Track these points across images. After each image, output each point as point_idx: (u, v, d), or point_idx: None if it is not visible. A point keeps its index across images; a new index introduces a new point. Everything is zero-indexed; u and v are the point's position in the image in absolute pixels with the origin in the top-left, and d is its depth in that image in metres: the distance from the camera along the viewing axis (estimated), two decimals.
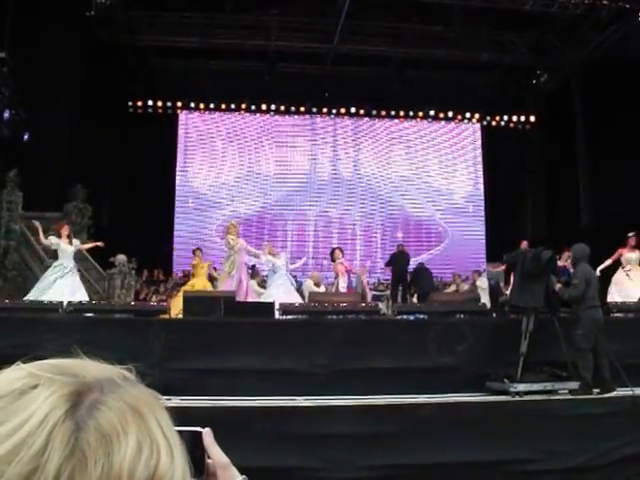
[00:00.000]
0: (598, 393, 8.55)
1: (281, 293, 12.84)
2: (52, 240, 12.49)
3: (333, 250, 15.84)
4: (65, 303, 9.34)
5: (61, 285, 11.99)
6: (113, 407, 0.70)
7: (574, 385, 8.62)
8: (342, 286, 14.55)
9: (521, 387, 8.39)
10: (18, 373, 0.72)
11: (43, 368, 0.73)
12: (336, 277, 14.91)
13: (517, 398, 8.30)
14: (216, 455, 0.92)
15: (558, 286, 9.24)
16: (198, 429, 0.93)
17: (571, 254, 9.72)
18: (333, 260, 15.40)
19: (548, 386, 8.59)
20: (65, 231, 12.72)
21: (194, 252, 15.39)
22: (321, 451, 7.23)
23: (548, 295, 9.06)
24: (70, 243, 12.58)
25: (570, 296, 8.97)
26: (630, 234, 13.94)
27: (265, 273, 15.97)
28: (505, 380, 8.51)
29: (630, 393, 8.46)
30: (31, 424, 0.66)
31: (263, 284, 15.35)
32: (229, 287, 12.70)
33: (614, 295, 13.01)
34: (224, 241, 13.93)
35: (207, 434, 0.93)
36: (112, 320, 9.20)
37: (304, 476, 7.08)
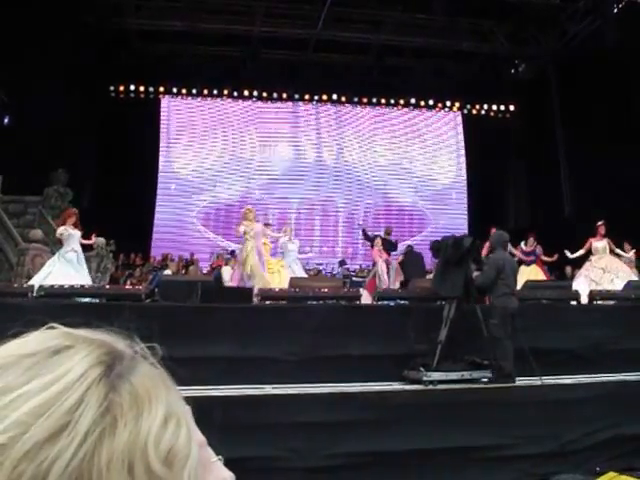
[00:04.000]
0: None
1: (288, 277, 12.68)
2: (60, 230, 12.55)
3: (375, 237, 16.08)
4: (36, 287, 9.17)
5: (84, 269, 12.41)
6: (147, 374, 0.71)
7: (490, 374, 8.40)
8: (382, 271, 14.86)
9: (436, 376, 8.12)
10: (52, 333, 0.72)
11: (77, 331, 0.73)
12: (374, 264, 15.28)
13: (431, 387, 8.05)
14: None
15: (475, 274, 8.99)
16: None
17: (489, 241, 9.44)
18: (372, 246, 15.68)
19: (466, 375, 8.31)
20: (72, 218, 12.74)
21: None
22: (284, 440, 7.14)
23: (467, 283, 8.75)
24: (76, 228, 12.68)
25: (480, 283, 8.71)
26: (598, 223, 14.09)
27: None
28: (420, 369, 8.22)
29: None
30: (67, 380, 0.65)
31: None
32: (235, 280, 12.38)
33: (580, 284, 12.98)
34: (237, 228, 13.30)
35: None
36: (81, 305, 8.99)
37: (267, 466, 6.96)
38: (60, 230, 12.47)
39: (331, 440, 7.23)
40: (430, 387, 8.05)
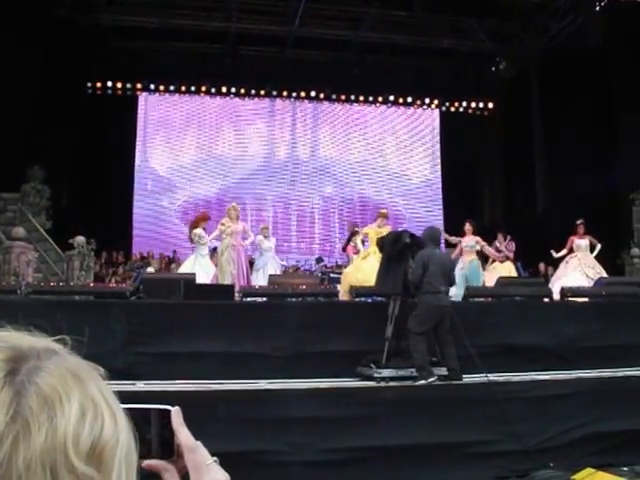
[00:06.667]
0: (445, 379, 8.28)
1: (265, 276, 12.72)
2: (197, 231, 12.99)
3: (352, 233, 16.06)
4: (24, 285, 9.29)
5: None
6: (53, 372, 0.69)
7: (442, 371, 8.31)
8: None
9: (386, 373, 8.18)
10: None
11: None
12: (349, 261, 15.33)
13: (383, 384, 8.10)
14: (184, 437, 0.89)
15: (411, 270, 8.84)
16: (167, 407, 0.90)
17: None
18: (348, 243, 15.76)
19: (415, 372, 8.27)
20: (205, 222, 13.34)
21: (379, 215, 14.40)
22: (283, 435, 7.24)
23: (405, 279, 8.67)
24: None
25: (410, 280, 8.56)
26: (578, 221, 14.22)
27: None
28: (371, 365, 8.28)
29: (594, 375, 8.72)
30: None
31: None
32: (236, 281, 12.17)
33: (576, 280, 13.21)
34: (219, 225, 13.16)
35: (176, 414, 0.90)
36: (72, 302, 9.06)
37: (266, 460, 7.06)
38: (196, 231, 12.91)
39: (327, 435, 7.34)
40: (382, 384, 8.10)
